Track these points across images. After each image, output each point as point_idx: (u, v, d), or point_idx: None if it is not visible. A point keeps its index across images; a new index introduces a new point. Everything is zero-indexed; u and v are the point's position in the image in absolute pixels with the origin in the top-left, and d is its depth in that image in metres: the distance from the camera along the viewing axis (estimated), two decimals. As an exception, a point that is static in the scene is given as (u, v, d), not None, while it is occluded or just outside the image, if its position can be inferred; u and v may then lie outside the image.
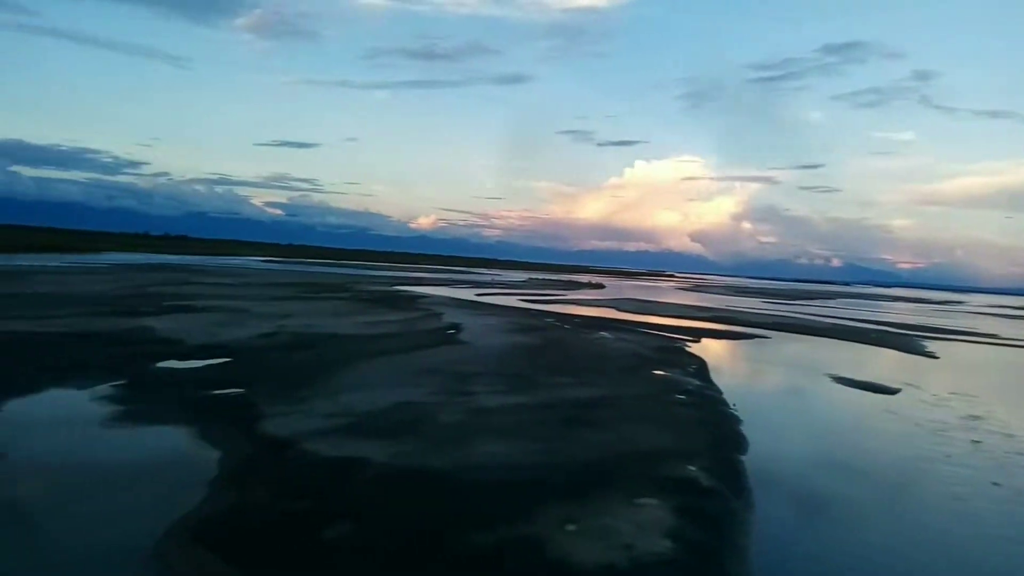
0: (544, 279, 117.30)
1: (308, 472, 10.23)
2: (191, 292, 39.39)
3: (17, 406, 12.99)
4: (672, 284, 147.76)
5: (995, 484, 12.21)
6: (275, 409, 13.55)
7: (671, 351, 27.01)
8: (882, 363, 29.50)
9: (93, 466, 10.26)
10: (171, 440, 11.59)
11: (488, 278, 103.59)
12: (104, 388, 14.55)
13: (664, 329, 36.47)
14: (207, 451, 10.98)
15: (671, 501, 9.84)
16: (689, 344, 29.97)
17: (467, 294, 57.95)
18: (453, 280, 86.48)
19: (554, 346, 26.19)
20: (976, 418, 17.80)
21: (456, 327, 29.81)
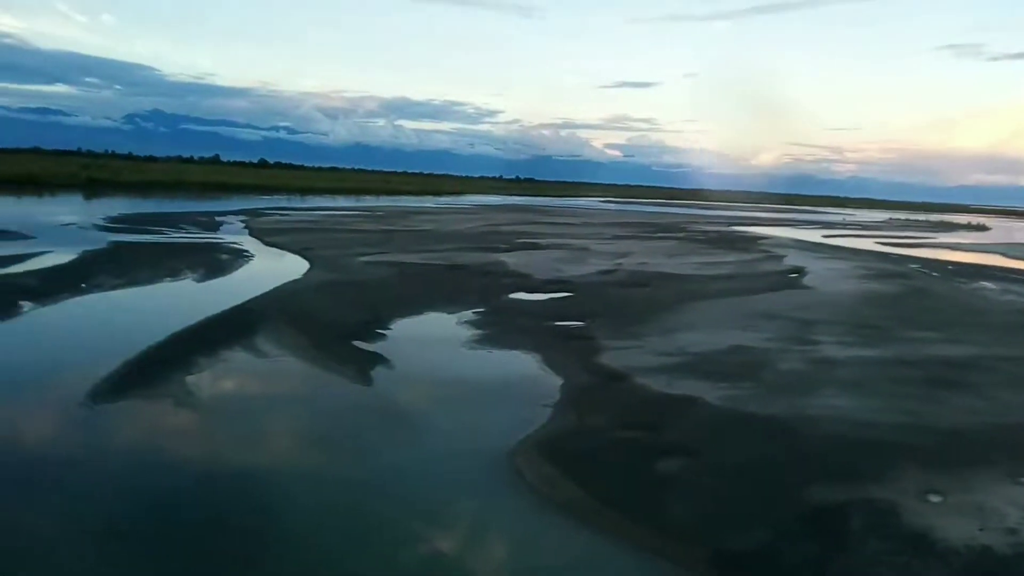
0: (908, 219, 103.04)
1: (641, 405, 10.54)
2: (538, 231, 42.68)
3: (405, 325, 15.48)
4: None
5: None
6: (612, 343, 14.15)
7: (1080, 308, 21.97)
8: None
9: (458, 381, 11.85)
10: (520, 364, 12.83)
11: (839, 218, 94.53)
12: (468, 314, 16.59)
13: (1070, 281, 29.73)
14: (550, 376, 11.93)
15: (1072, 487, 8.11)
16: (1108, 301, 24.03)
17: (813, 235, 53.67)
18: (797, 220, 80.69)
19: (917, 295, 23.05)
20: None
21: (799, 270, 27.86)
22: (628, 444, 9.05)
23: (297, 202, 67.31)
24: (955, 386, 12.07)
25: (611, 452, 8.82)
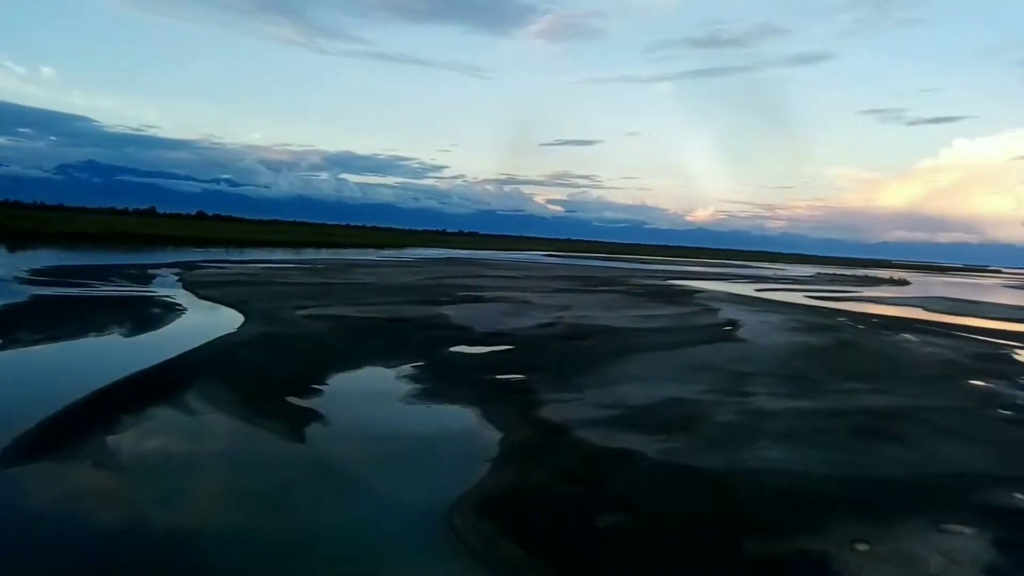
0: (835, 274, 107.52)
1: (581, 459, 10.51)
2: (480, 284, 42.82)
3: (343, 379, 15.18)
4: (997, 281, 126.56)
5: None
6: (552, 396, 14.15)
7: (993, 358, 23.14)
8: None
9: (394, 436, 11.61)
10: (460, 418, 12.69)
11: (771, 273, 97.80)
12: (407, 368, 16.40)
13: (985, 333, 31.36)
14: (490, 431, 11.82)
15: (990, 532, 8.40)
16: (1019, 351, 25.40)
17: (747, 289, 55.30)
18: (731, 275, 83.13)
19: (845, 348, 23.88)
20: None
21: (733, 323, 28.58)
22: (568, 499, 8.98)
23: (236, 255, 65.98)
24: (883, 436, 12.45)
25: (550, 508, 8.73)
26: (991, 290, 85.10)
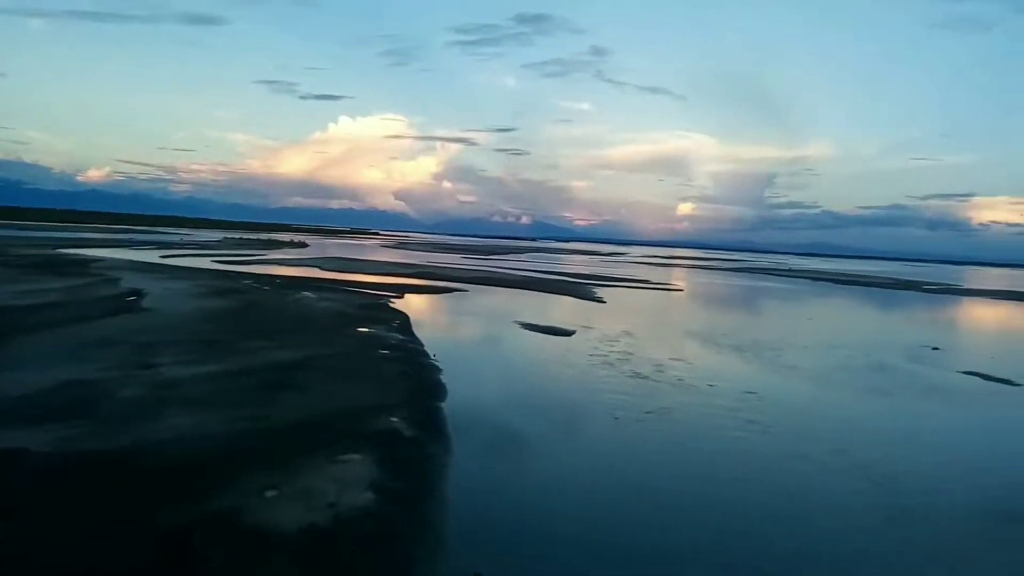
0: (242, 238, 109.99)
1: (-59, 473, 8.56)
2: None
3: None
4: (377, 242, 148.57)
5: (648, 412, 14.51)
6: None
7: (375, 308, 27.31)
8: (561, 309, 33.03)
9: None
10: None
11: (176, 238, 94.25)
12: None
13: (368, 287, 36.67)
14: None
15: (373, 454, 10.09)
16: (393, 300, 30.55)
17: (151, 256, 52.23)
18: (133, 241, 77.22)
19: (252, 309, 24.89)
20: (633, 353, 20.87)
21: (137, 293, 26.79)
22: (-79, 526, 7.23)
23: None
24: (287, 387, 13.54)
25: None
26: (372, 250, 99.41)
